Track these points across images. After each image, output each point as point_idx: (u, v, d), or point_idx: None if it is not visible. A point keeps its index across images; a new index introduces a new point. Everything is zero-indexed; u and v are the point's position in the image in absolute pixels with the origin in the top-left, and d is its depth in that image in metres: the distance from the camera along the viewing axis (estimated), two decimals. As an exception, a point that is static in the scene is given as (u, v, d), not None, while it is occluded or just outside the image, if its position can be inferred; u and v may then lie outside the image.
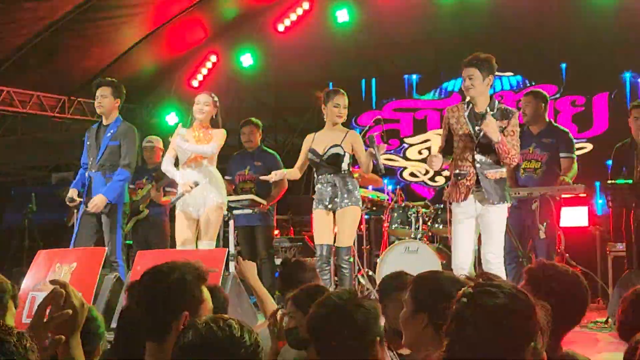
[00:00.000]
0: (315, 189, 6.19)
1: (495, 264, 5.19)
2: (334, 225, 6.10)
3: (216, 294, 3.07)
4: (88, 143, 6.70)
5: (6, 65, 9.44)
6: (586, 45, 9.13)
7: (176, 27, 10.33)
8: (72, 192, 6.62)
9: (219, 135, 6.24)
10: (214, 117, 6.30)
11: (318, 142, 6.16)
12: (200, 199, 6.15)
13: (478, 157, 5.21)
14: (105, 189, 6.45)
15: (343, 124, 6.28)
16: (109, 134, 6.59)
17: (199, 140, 6.21)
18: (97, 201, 6.39)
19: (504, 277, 5.17)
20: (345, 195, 6.00)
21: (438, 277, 2.67)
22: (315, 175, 6.26)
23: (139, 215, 8.10)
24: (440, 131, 5.78)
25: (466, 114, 5.27)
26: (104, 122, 6.70)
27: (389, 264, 6.86)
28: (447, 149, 5.41)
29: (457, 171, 5.30)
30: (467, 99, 5.36)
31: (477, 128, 5.21)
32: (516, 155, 5.22)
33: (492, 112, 5.21)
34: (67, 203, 6.67)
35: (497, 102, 5.33)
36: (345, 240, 6.02)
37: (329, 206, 6.03)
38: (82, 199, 6.56)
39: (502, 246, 5.30)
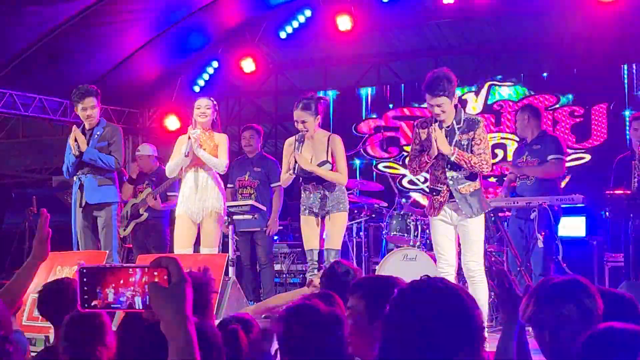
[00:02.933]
0: (302, 195, 6.12)
1: (477, 272, 5.23)
2: (322, 231, 6.08)
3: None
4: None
5: (9, 68, 9.48)
6: (586, 56, 9.18)
7: (179, 32, 10.37)
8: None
9: (224, 143, 6.31)
10: (214, 120, 6.41)
11: (303, 153, 5.99)
12: (200, 205, 6.18)
13: (449, 174, 5.23)
14: (90, 151, 6.47)
15: (338, 132, 6.25)
16: (95, 136, 6.60)
17: (202, 143, 6.25)
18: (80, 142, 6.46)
19: (485, 284, 5.28)
20: (335, 203, 5.97)
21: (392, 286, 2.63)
22: (301, 182, 6.12)
23: (139, 218, 8.13)
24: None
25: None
26: (87, 127, 6.70)
27: (387, 271, 6.87)
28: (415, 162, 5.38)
29: (432, 187, 5.36)
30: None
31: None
32: (483, 163, 5.17)
33: (458, 126, 5.20)
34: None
35: (462, 112, 5.28)
36: (336, 243, 5.99)
37: (318, 212, 5.98)
38: (74, 202, 6.54)
39: (482, 253, 5.35)
